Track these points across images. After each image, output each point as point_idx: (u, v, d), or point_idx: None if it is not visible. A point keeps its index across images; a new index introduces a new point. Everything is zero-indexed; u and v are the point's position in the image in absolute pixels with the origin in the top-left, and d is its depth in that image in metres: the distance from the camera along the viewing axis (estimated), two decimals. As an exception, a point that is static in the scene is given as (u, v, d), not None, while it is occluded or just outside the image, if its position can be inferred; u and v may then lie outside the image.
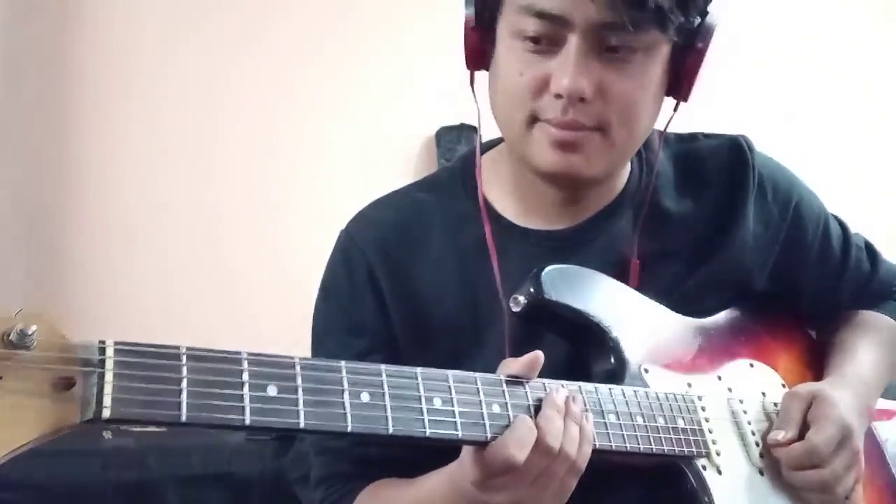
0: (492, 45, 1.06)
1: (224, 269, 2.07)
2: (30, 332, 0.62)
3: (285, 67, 2.17)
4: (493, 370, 0.93)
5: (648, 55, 1.01)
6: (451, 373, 0.86)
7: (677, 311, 1.14)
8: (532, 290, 1.02)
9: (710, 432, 1.06)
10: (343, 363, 0.79)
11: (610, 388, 0.99)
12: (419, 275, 1.14)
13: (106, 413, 0.64)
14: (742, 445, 1.09)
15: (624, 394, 0.99)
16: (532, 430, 0.86)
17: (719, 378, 1.13)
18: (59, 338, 0.65)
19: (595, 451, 0.93)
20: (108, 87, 2.07)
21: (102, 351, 0.66)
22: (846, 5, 2.81)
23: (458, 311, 1.12)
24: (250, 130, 2.14)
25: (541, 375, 1.06)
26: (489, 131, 1.14)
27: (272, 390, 0.73)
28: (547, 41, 1.00)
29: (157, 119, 2.09)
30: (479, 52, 1.07)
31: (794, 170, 1.29)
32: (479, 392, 0.87)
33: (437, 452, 0.95)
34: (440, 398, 0.83)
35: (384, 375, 0.80)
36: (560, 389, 0.92)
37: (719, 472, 1.04)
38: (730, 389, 1.13)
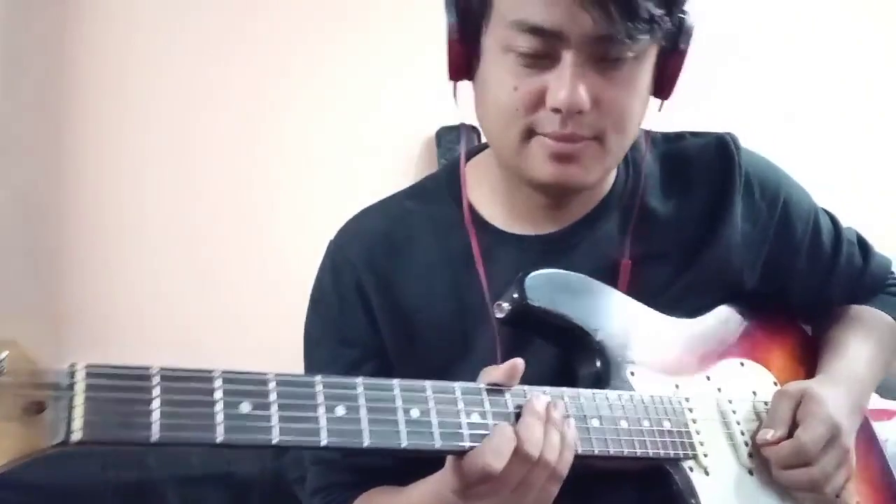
0: (476, 57, 1.05)
1: (224, 269, 2.08)
2: (0, 359, 0.63)
3: (285, 67, 2.16)
4: None
5: (638, 61, 1.01)
6: (429, 383, 0.86)
7: (666, 313, 1.14)
8: (516, 295, 1.03)
9: (698, 433, 1.06)
10: (319, 377, 0.79)
11: (593, 393, 0.99)
12: (407, 284, 1.14)
13: (75, 436, 0.65)
14: (731, 446, 1.09)
15: (608, 398, 0.99)
16: (510, 438, 0.86)
17: (708, 378, 1.13)
18: (29, 363, 0.66)
19: (578, 457, 0.93)
20: (107, 87, 2.07)
21: (72, 375, 0.67)
22: (846, 5, 2.78)
23: (447, 318, 1.13)
24: (250, 130, 2.14)
25: (531, 380, 1.07)
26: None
27: (245, 407, 0.73)
28: (541, 55, 0.99)
29: (157, 119, 2.09)
30: (463, 64, 1.06)
31: (794, 169, 1.28)
32: (458, 402, 0.87)
33: (430, 461, 0.95)
34: (418, 409, 0.84)
35: (361, 388, 0.81)
36: (541, 396, 0.92)
37: (707, 474, 1.04)
38: (719, 389, 1.13)
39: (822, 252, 1.26)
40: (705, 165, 1.19)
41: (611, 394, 1.00)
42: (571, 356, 1.07)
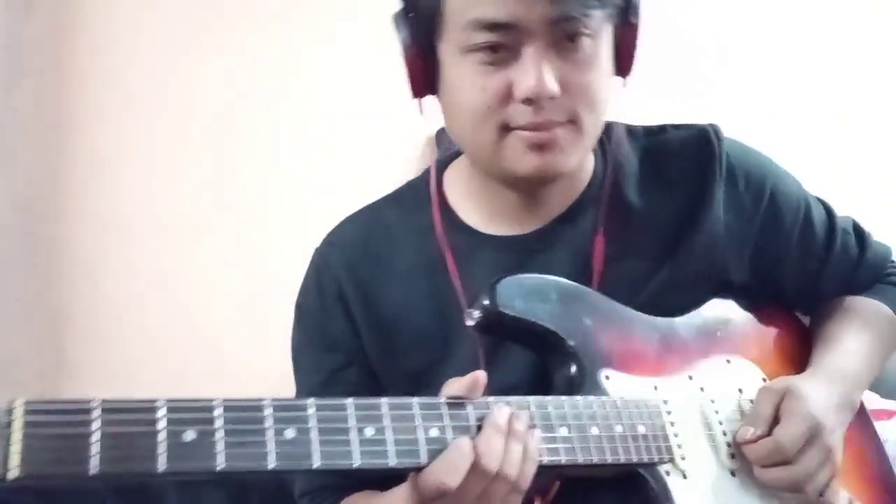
0: (436, 68, 1.05)
1: (225, 269, 2.10)
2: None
3: (285, 68, 2.16)
4: None
5: (596, 40, 1.02)
6: (385, 400, 0.86)
7: (647, 311, 1.13)
8: (486, 302, 1.02)
9: (676, 436, 1.04)
10: (268, 400, 0.80)
11: (563, 400, 0.98)
12: (387, 290, 1.15)
13: (12, 473, 0.66)
14: (711, 447, 1.07)
15: (578, 404, 0.98)
16: (467, 454, 0.86)
17: (690, 378, 1.12)
18: (-31, 403, 0.67)
19: (544, 468, 0.93)
20: (107, 87, 2.09)
21: (10, 413, 0.68)
22: (841, 4, 2.71)
23: (427, 323, 1.13)
24: (250, 131, 2.15)
25: (513, 384, 1.07)
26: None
27: (189, 435, 0.74)
28: (502, 50, 0.99)
29: (158, 119, 2.11)
30: (423, 79, 1.06)
31: (791, 162, 1.25)
32: (415, 417, 0.87)
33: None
34: (373, 427, 0.84)
35: (312, 410, 0.81)
36: (503, 408, 0.91)
37: (684, 477, 1.03)
38: (702, 389, 1.11)
39: (814, 241, 1.24)
40: (685, 158, 1.17)
41: (582, 400, 0.99)
42: (546, 361, 1.07)
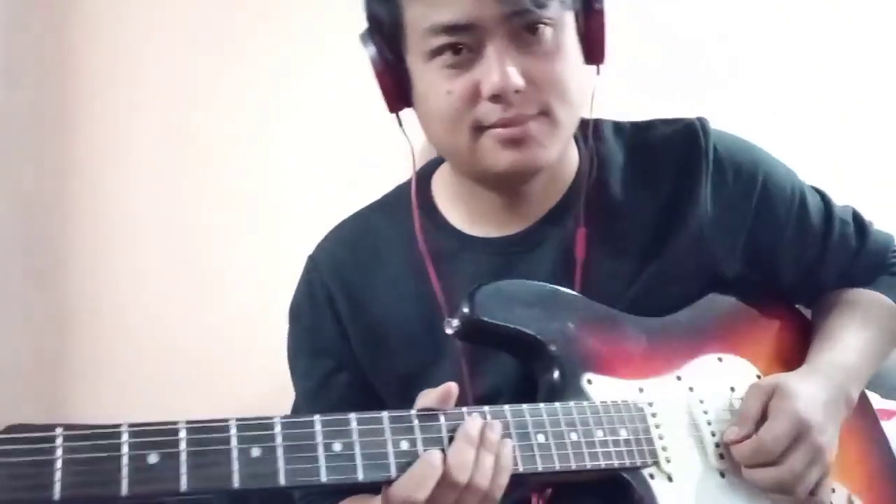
0: (408, 79, 1.07)
1: (226, 269, 2.12)
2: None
3: (285, 69, 2.17)
4: (454, 382, 0.94)
5: (557, 30, 1.03)
6: (354, 415, 0.88)
7: (636, 311, 1.12)
8: (466, 310, 1.03)
9: (661, 438, 1.04)
10: (233, 420, 0.82)
11: (540, 407, 0.98)
12: (375, 295, 1.17)
13: None
14: (699, 448, 1.06)
15: (557, 410, 0.98)
16: (435, 466, 0.87)
17: (679, 378, 1.11)
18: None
19: (520, 476, 0.93)
20: (108, 88, 2.11)
21: None
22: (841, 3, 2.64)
23: (415, 327, 1.15)
24: (251, 131, 2.17)
25: (499, 390, 1.08)
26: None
27: (153, 458, 0.77)
28: (463, 51, 1.01)
29: (158, 120, 2.12)
30: (397, 92, 1.08)
31: (795, 165, 1.24)
32: (385, 431, 0.88)
33: None
34: (341, 443, 0.85)
35: (278, 428, 0.83)
36: (475, 419, 0.92)
37: (670, 480, 1.02)
38: (690, 389, 1.10)
39: (810, 230, 1.22)
40: (671, 153, 1.17)
41: (560, 406, 0.99)
42: (530, 367, 1.07)
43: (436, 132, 1.07)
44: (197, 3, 2.16)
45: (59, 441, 0.74)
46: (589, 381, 1.05)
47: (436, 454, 0.88)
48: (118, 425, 0.77)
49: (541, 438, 0.96)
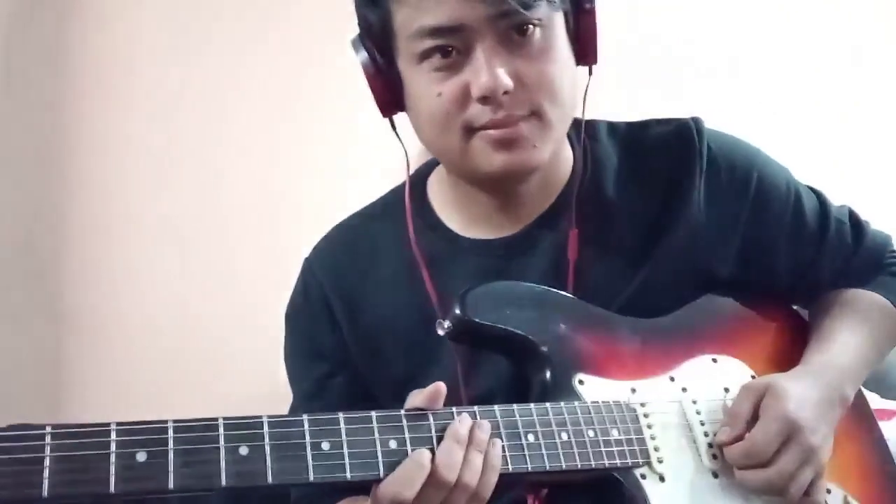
0: (399, 83, 1.07)
1: (226, 270, 2.12)
2: None
3: (285, 69, 2.18)
4: (449, 384, 0.95)
5: (547, 30, 1.03)
6: (342, 415, 0.88)
7: (630, 312, 1.12)
8: (458, 312, 1.03)
9: (653, 439, 1.04)
10: (221, 419, 0.83)
11: (531, 407, 0.98)
12: (370, 298, 1.18)
13: None
14: (692, 449, 1.06)
15: (548, 410, 0.99)
16: (423, 465, 0.87)
17: (672, 379, 1.11)
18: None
19: (510, 475, 0.93)
20: (108, 88, 2.11)
21: None
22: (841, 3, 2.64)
23: (410, 330, 1.15)
24: (251, 131, 2.17)
25: (493, 391, 1.09)
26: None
27: (141, 456, 0.78)
28: (452, 53, 1.01)
29: (159, 120, 2.13)
30: (389, 96, 1.09)
31: (794, 166, 1.24)
32: (374, 430, 0.89)
33: None
34: (329, 442, 0.86)
35: (266, 427, 0.84)
36: (465, 418, 0.92)
37: (662, 480, 1.02)
38: (684, 390, 1.10)
39: (806, 229, 1.22)
40: (665, 153, 1.17)
41: (551, 406, 0.99)
42: (522, 368, 1.07)
43: (428, 135, 1.08)
44: (198, 4, 2.16)
45: (47, 439, 0.75)
46: (581, 382, 1.05)
47: (424, 453, 0.88)
48: (106, 424, 0.78)
49: (531, 438, 0.96)
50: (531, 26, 1.01)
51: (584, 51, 1.08)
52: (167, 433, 0.80)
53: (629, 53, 2.15)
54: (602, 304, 1.12)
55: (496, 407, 0.97)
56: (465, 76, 1.01)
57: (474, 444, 0.91)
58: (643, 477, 1.02)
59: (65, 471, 0.74)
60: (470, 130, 1.03)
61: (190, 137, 2.12)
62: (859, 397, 1.21)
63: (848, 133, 2.55)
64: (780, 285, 1.24)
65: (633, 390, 1.07)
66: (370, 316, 1.17)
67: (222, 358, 2.04)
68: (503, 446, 0.94)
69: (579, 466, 0.98)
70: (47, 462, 0.74)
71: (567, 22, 1.06)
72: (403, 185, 1.24)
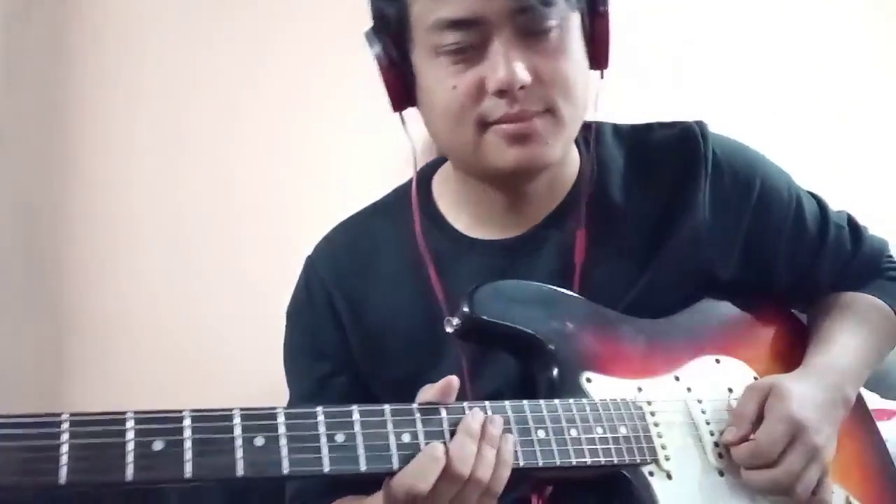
0: (412, 78, 1.08)
1: (227, 269, 2.12)
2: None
3: (285, 69, 2.18)
4: None
5: (563, 30, 1.04)
6: (356, 407, 0.88)
7: (634, 312, 1.13)
8: (466, 309, 1.04)
9: (660, 437, 1.05)
10: (237, 410, 0.82)
11: (540, 404, 0.98)
12: (374, 297, 1.17)
13: None
14: (698, 447, 1.07)
15: (558, 407, 0.99)
16: (437, 459, 0.87)
17: (677, 378, 1.12)
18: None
19: (521, 470, 0.94)
20: (108, 89, 2.10)
21: None
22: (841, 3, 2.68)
23: (414, 330, 1.15)
24: (253, 131, 2.17)
25: (498, 389, 1.09)
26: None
27: (158, 445, 0.77)
28: (469, 47, 1.01)
29: (158, 119, 2.12)
30: (402, 90, 1.09)
31: (794, 166, 1.25)
32: (387, 423, 0.89)
33: None
34: (343, 434, 0.86)
35: (281, 418, 0.84)
36: (477, 413, 0.92)
37: (669, 477, 1.02)
38: (689, 389, 1.11)
39: (806, 234, 1.23)
40: (670, 156, 1.18)
41: (560, 403, 1.00)
42: (528, 366, 1.08)
43: (440, 129, 1.08)
44: (199, 3, 2.16)
45: (65, 426, 0.74)
46: (588, 380, 1.06)
47: (438, 446, 0.88)
48: (123, 412, 0.77)
49: (541, 434, 0.96)
50: (549, 24, 1.01)
51: (597, 54, 1.09)
52: (184, 422, 0.79)
53: (629, 55, 2.17)
54: (607, 304, 1.12)
55: (506, 403, 0.97)
56: (481, 70, 1.01)
57: (487, 438, 0.91)
58: (651, 474, 1.02)
59: (81, 458, 0.73)
60: (484, 125, 1.03)
61: (191, 137, 2.12)
62: (858, 398, 1.21)
63: (848, 133, 2.58)
64: (780, 287, 1.25)
65: (640, 389, 1.08)
66: (373, 314, 1.17)
67: (224, 358, 2.03)
68: (515, 441, 0.94)
69: (589, 463, 0.98)
70: (64, 449, 0.73)
71: (583, 23, 1.07)
72: (406, 184, 1.25)
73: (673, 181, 1.17)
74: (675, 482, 1.03)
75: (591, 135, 1.17)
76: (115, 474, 0.74)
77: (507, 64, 0.99)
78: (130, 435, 0.76)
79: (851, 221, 1.29)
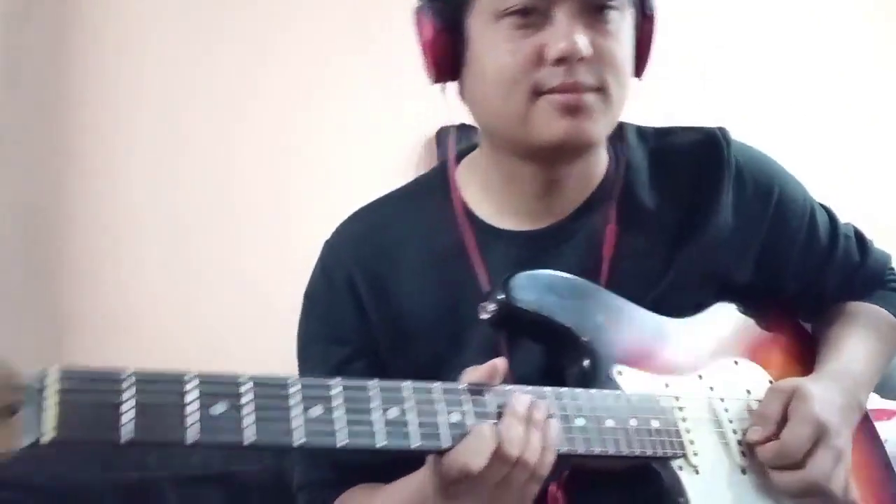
0: (463, 47, 1.07)
1: (227, 269, 2.10)
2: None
3: (285, 69, 2.18)
4: None
5: (622, 16, 1.06)
6: (408, 383, 0.87)
7: (657, 310, 1.14)
8: (501, 297, 1.03)
9: (688, 432, 1.05)
10: (296, 377, 0.80)
11: (580, 392, 0.98)
12: (398, 283, 1.15)
13: (46, 436, 0.67)
14: (723, 445, 1.08)
15: (594, 397, 0.99)
16: (490, 438, 0.86)
17: (700, 377, 1.13)
18: (4, 368, 0.67)
19: (561, 456, 0.93)
20: (109, 89, 2.08)
21: (44, 378, 0.69)
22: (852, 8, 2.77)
23: (438, 315, 1.14)
24: (255, 131, 2.16)
25: (525, 377, 1.07)
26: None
27: (219, 408, 0.74)
28: (534, 10, 1.02)
29: (158, 120, 2.10)
30: (449, 58, 1.08)
31: (793, 165, 1.27)
32: (437, 402, 0.87)
33: (409, 460, 0.96)
34: (397, 409, 0.84)
35: (339, 389, 0.82)
36: (522, 396, 0.92)
37: (696, 472, 1.03)
38: (711, 388, 1.12)
39: (817, 246, 1.26)
40: (693, 160, 1.19)
41: (597, 393, 1.00)
42: (558, 356, 1.07)
43: (489, 96, 1.07)
44: (199, 4, 2.15)
45: (128, 383, 0.71)
46: (619, 373, 1.06)
47: (489, 427, 0.87)
48: (184, 372, 0.74)
49: (581, 422, 0.96)
50: (610, 7, 1.03)
51: (639, 61, 1.11)
52: (243, 387, 0.76)
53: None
54: (632, 301, 1.13)
55: (547, 389, 0.96)
56: (542, 37, 1.02)
57: (533, 422, 0.90)
58: (680, 469, 1.03)
59: (144, 416, 0.70)
60: (536, 93, 1.03)
61: (191, 137, 2.10)
62: (860, 403, 1.24)
63: (857, 139, 2.62)
64: (789, 294, 1.27)
65: (667, 385, 1.09)
66: (398, 301, 1.15)
67: (224, 358, 1.99)
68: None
69: (625, 453, 0.98)
70: (127, 406, 0.70)
71: (635, 23, 1.09)
72: (430, 172, 1.24)
73: (695, 184, 1.18)
74: (702, 477, 1.04)
75: (620, 133, 1.18)
76: (176, 434, 0.72)
77: (571, 34, 1.00)
78: (192, 396, 0.73)
79: (858, 233, 1.33)
